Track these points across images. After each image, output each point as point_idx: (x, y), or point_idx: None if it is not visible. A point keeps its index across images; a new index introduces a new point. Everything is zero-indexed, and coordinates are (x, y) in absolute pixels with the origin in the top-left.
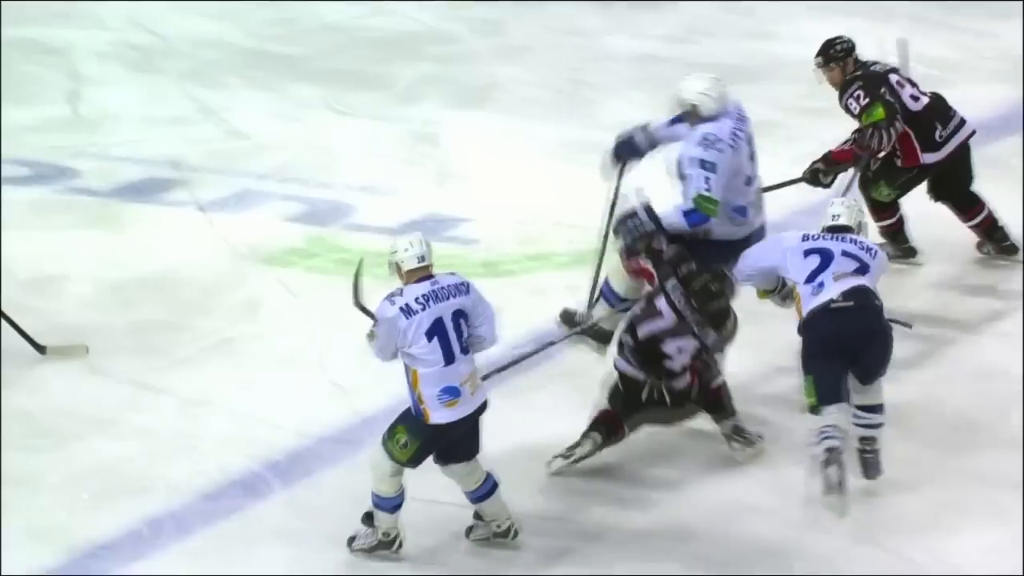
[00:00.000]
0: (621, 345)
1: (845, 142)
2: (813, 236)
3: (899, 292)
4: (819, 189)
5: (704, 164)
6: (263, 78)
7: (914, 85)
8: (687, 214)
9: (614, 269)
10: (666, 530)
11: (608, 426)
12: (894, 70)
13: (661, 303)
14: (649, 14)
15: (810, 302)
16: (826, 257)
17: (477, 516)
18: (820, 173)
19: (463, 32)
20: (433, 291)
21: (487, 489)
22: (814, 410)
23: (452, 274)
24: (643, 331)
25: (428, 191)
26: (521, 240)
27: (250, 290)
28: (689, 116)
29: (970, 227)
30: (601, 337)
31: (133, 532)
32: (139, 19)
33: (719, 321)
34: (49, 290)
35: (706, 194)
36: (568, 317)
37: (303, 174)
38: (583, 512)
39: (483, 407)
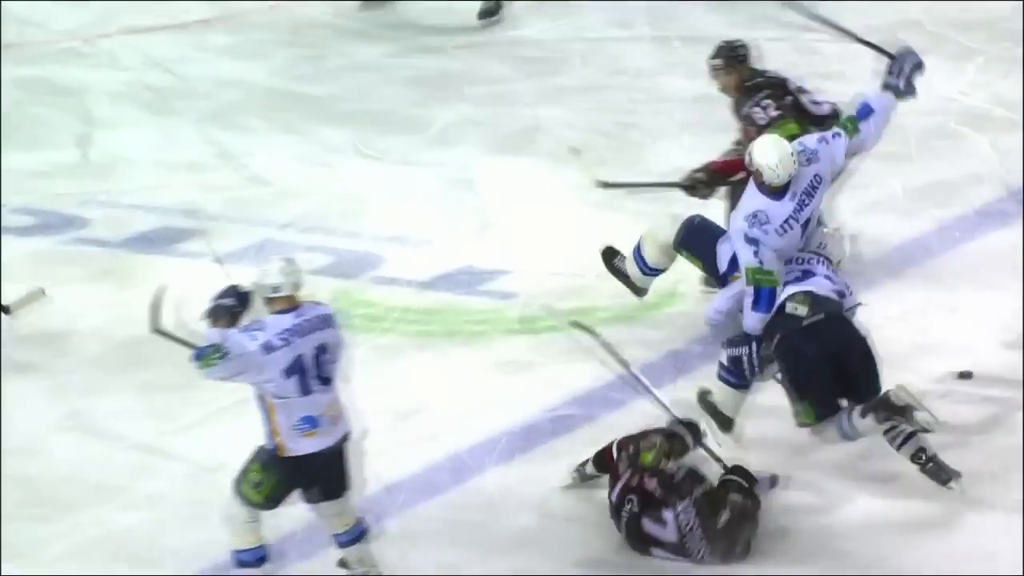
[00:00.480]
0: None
1: (728, 152)
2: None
3: None
4: None
5: (748, 239)
6: (287, 120)
7: (809, 92)
8: (755, 304)
9: (648, 234)
10: None
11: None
12: (787, 80)
13: (668, 515)
14: (706, 51)
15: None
16: None
17: (341, 563)
18: (700, 183)
19: (504, 71)
20: (297, 324)
21: (355, 534)
22: (815, 428)
23: (318, 304)
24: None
25: (463, 241)
26: (562, 294)
27: None
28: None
29: None
30: (722, 422)
31: None
32: (156, 57)
33: (733, 543)
34: (53, 347)
35: (756, 266)
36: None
37: (328, 223)
38: None
39: (345, 438)
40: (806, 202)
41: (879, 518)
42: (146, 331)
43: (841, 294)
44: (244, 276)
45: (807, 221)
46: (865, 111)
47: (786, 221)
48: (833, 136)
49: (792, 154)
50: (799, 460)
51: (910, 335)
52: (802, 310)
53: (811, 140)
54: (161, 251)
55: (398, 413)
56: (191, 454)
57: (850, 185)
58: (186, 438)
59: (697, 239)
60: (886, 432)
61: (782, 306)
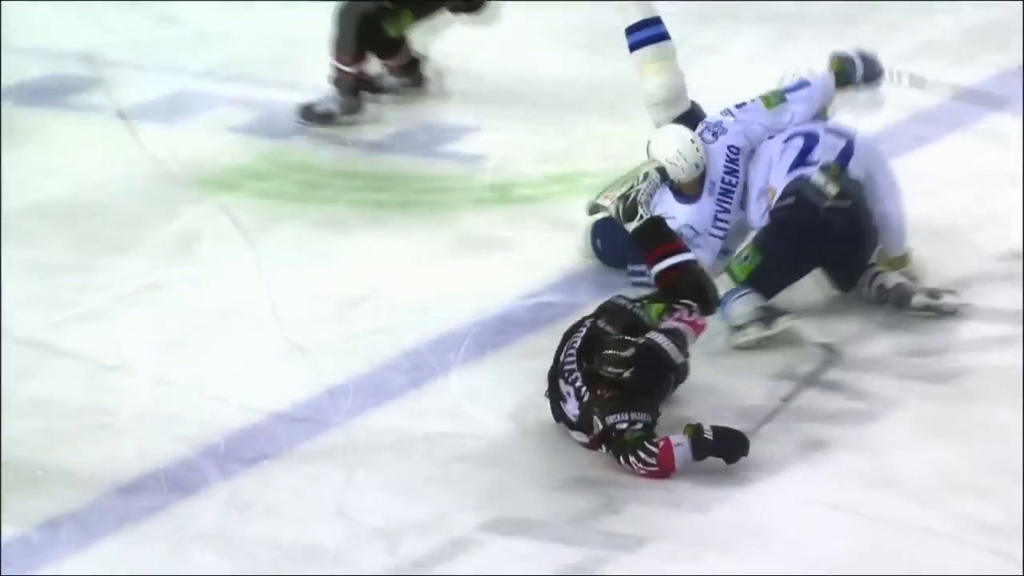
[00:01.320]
0: None
1: None
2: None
3: None
4: None
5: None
6: None
7: None
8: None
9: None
10: None
11: None
12: None
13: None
14: None
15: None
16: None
17: None
18: None
19: None
20: None
21: None
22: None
23: None
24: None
25: (419, 92)
26: (542, 156)
27: (184, 221)
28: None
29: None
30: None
31: (23, 536)
32: None
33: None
34: None
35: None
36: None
37: (256, 71)
38: None
39: None
40: (730, 182)
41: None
42: (35, 200)
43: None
44: (154, 135)
45: (744, 193)
46: (800, 84)
47: (717, 219)
48: (737, 107)
49: (692, 140)
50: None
51: (967, 205)
52: (831, 188)
53: (712, 117)
54: (53, 104)
55: (343, 301)
56: (89, 350)
57: (888, 25)
58: (83, 330)
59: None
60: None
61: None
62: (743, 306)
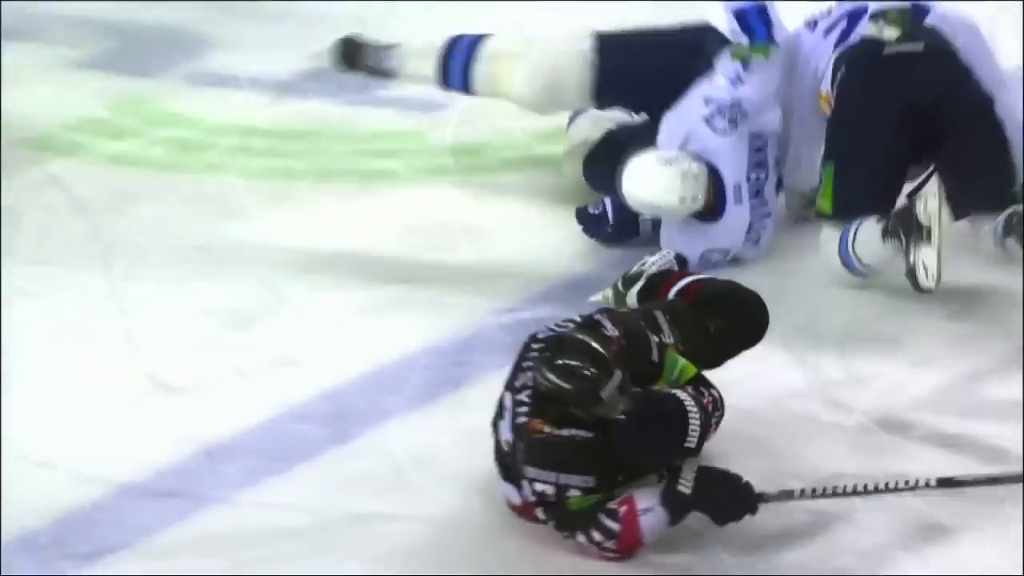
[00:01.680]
0: None
1: None
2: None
3: None
4: None
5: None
6: None
7: None
8: None
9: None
10: None
11: None
12: None
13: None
14: None
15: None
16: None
17: None
18: None
19: None
20: None
21: None
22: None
23: None
24: None
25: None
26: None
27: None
28: None
29: None
30: None
31: None
32: None
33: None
34: None
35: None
36: None
37: None
38: None
39: None
40: (759, 177)
41: None
42: None
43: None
44: None
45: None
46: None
47: (751, 227)
48: (744, 68)
49: (682, 167)
50: None
51: None
52: (890, 32)
53: (713, 87)
54: None
55: (231, 318)
56: None
57: None
58: None
59: None
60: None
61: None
62: (867, 235)
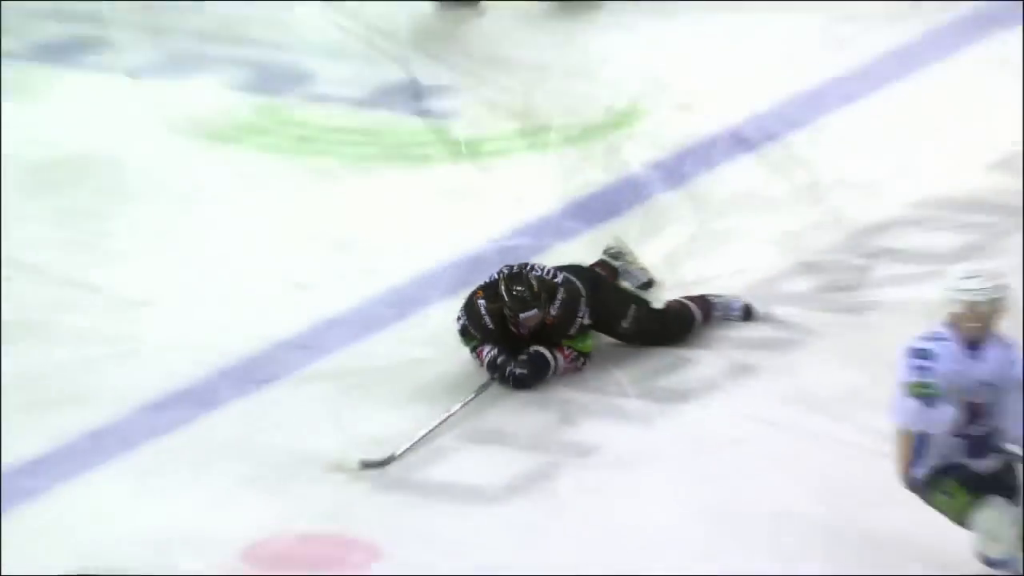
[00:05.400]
0: None
1: None
2: None
3: None
4: None
5: None
6: None
7: None
8: None
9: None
10: None
11: None
12: None
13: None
14: None
15: None
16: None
17: None
18: None
19: None
20: None
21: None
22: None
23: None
24: None
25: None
26: (511, 113)
27: (192, 173)
28: None
29: None
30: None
31: (70, 445)
32: None
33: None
34: None
35: None
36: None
37: (254, 33)
38: None
39: None
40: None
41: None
42: (56, 152)
43: None
44: (161, 93)
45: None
46: None
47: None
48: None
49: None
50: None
51: (883, 157)
52: None
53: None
54: (67, 63)
55: (334, 243)
56: (115, 288)
57: None
58: (108, 270)
59: None
60: None
61: None
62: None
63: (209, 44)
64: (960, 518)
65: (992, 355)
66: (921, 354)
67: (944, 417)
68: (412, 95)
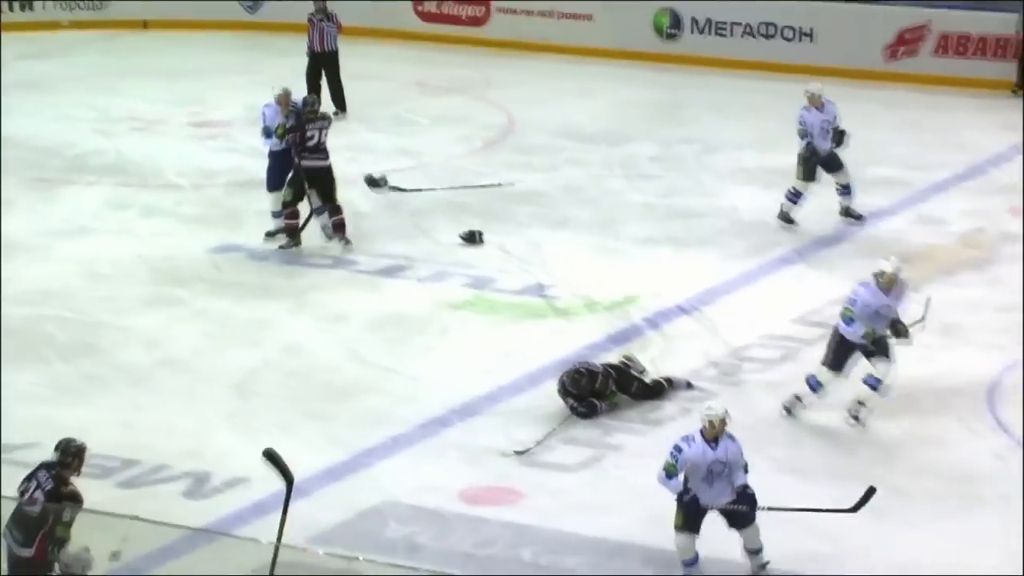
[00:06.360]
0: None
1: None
2: None
3: None
4: None
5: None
6: None
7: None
8: None
9: None
10: None
11: None
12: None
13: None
14: None
15: None
16: None
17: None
18: None
19: None
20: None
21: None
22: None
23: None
24: None
25: (535, 276)
26: (580, 298)
27: (443, 322)
28: None
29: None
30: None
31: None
32: None
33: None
34: None
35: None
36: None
37: (465, 266)
38: None
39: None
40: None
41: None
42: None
43: None
44: (432, 285)
45: None
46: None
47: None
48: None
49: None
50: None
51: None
52: None
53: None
54: (396, 276)
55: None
56: (410, 373)
57: None
58: (415, 365)
59: None
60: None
61: None
62: None
63: (453, 267)
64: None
65: (723, 446)
66: (677, 448)
67: (678, 485)
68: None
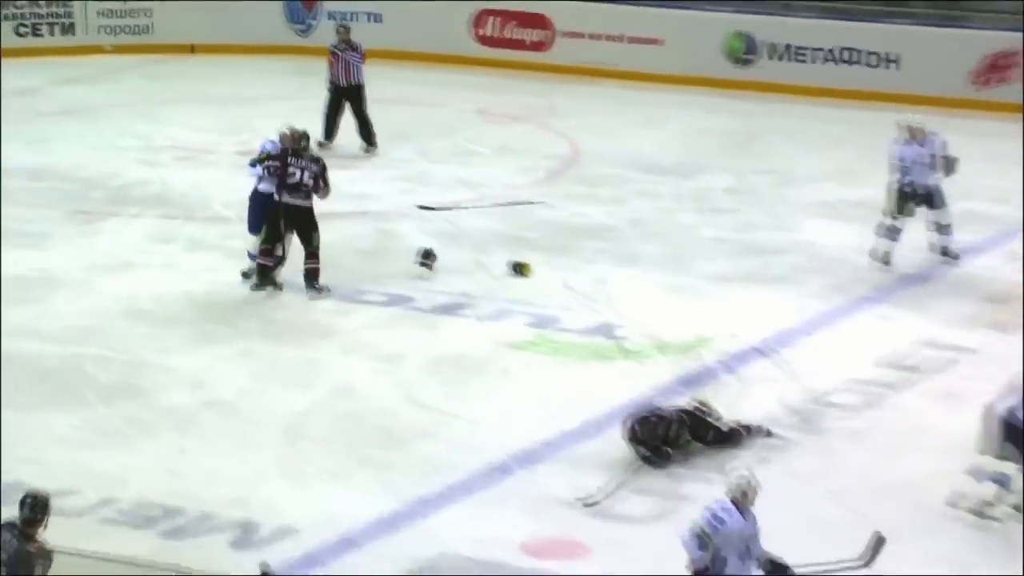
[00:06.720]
0: None
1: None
2: None
3: None
4: None
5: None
6: None
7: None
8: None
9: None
10: None
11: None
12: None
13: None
14: None
15: None
16: None
17: None
18: None
19: None
20: None
21: None
22: None
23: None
24: None
25: (604, 317)
26: (649, 339)
27: (504, 363)
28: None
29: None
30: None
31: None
32: None
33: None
34: None
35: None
36: None
37: (527, 303)
38: None
39: None
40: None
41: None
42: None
43: None
44: (494, 327)
45: None
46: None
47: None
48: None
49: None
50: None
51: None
52: None
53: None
54: (456, 314)
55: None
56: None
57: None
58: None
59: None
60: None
61: None
62: None
63: (514, 305)
64: None
65: (751, 516)
66: (719, 520)
67: (704, 560)
68: (606, 329)
